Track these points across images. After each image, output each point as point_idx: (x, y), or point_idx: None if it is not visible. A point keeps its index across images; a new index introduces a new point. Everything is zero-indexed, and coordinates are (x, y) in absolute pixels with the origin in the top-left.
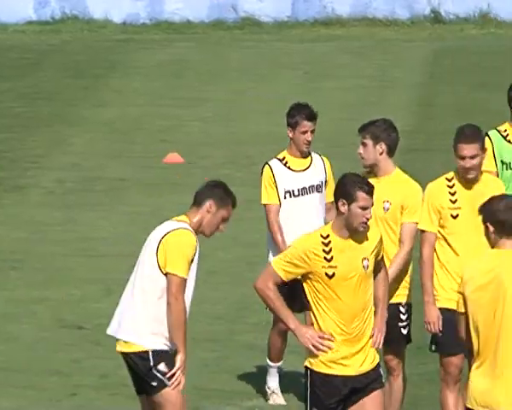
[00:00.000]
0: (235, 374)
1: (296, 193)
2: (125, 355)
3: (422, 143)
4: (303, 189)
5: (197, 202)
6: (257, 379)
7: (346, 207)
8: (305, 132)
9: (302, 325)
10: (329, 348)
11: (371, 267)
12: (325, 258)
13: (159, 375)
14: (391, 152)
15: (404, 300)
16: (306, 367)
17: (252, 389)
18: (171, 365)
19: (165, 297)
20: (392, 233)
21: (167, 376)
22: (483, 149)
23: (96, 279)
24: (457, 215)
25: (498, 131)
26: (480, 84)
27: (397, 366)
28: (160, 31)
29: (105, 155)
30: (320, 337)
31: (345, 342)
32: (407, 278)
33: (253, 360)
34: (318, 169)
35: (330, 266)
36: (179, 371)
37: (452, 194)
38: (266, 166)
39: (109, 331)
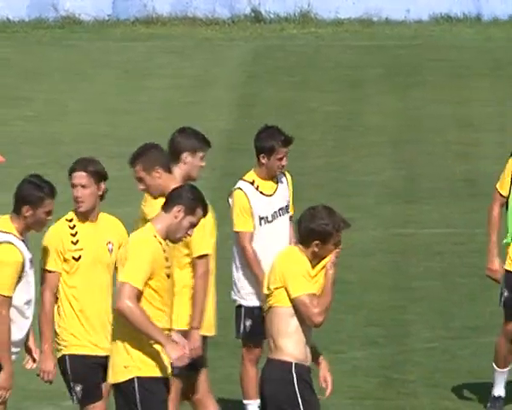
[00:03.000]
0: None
1: (270, 219)
2: None
3: (243, 142)
4: (274, 213)
5: None
6: None
7: (182, 214)
8: (281, 159)
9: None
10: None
11: None
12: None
13: None
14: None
15: None
16: (131, 379)
17: None
18: None
19: None
20: None
21: None
22: (91, 178)
23: None
24: (80, 256)
25: None
26: (300, 83)
27: None
28: None
29: None
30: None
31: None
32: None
33: None
34: (283, 189)
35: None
36: (2, 391)
37: (73, 235)
38: (239, 191)
39: None
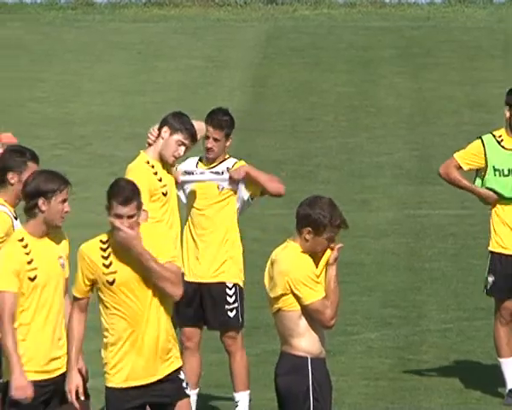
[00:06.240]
0: None
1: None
2: None
3: (256, 123)
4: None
5: None
6: None
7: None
8: (207, 138)
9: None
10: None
11: None
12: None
13: None
14: None
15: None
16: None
17: None
18: None
19: None
20: None
21: None
22: None
23: None
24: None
25: (493, 136)
26: (313, 64)
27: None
28: None
29: None
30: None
31: (135, 353)
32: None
33: None
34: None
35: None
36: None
37: (27, 254)
38: None
39: None
